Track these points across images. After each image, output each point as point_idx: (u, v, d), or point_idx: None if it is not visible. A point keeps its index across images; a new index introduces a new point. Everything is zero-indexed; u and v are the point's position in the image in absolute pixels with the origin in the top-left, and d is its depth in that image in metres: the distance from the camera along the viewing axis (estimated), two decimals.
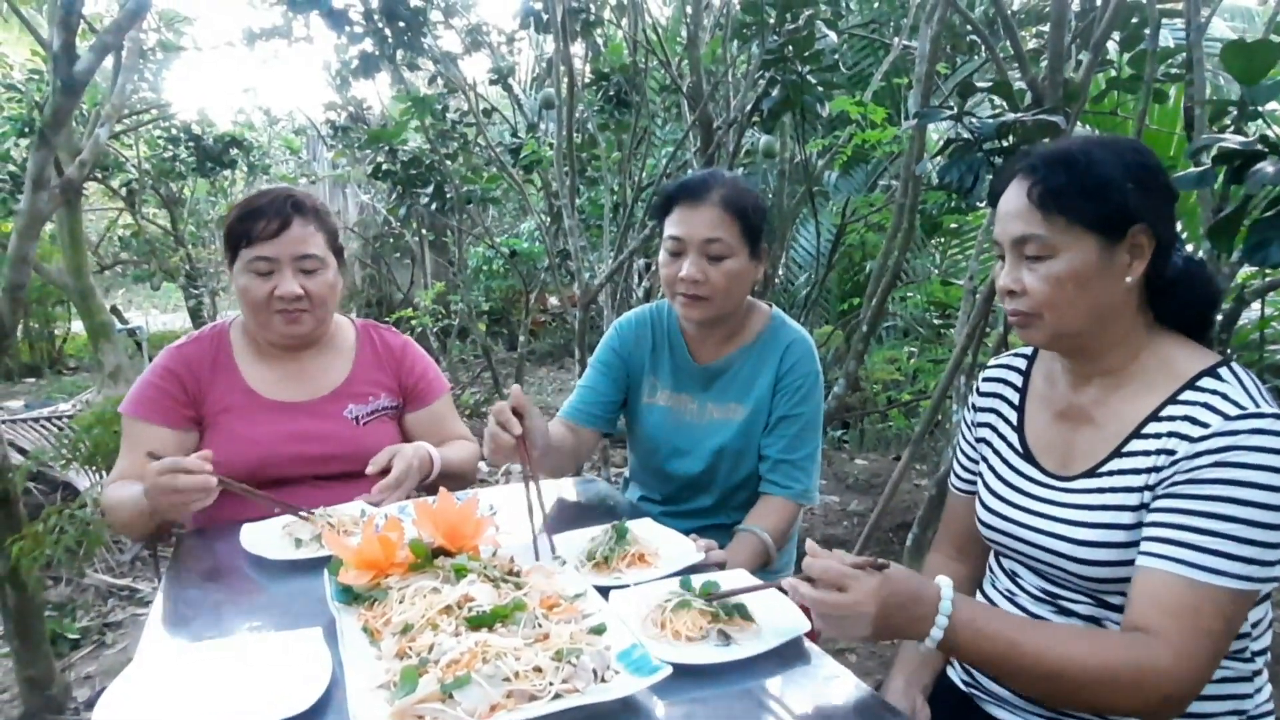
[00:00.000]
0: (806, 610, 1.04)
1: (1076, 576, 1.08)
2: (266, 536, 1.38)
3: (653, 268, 4.68)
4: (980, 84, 2.17)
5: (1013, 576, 1.20)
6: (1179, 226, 1.32)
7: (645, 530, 1.36)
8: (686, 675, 0.95)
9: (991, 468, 1.23)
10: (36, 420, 4.05)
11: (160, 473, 1.33)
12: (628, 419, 1.80)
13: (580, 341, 3.75)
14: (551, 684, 0.87)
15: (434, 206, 4.82)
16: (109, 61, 3.45)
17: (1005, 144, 1.88)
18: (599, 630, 0.99)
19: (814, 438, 1.64)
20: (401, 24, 3.61)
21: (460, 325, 6.44)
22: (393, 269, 8.70)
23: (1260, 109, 1.47)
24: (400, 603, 1.04)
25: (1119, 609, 1.04)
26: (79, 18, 2.17)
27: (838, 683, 0.99)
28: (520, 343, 5.71)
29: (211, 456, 1.37)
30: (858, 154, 4.53)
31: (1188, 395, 1.02)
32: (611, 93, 4.32)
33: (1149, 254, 1.04)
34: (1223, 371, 1.03)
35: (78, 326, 7.30)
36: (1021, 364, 1.26)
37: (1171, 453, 1.00)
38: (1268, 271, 1.93)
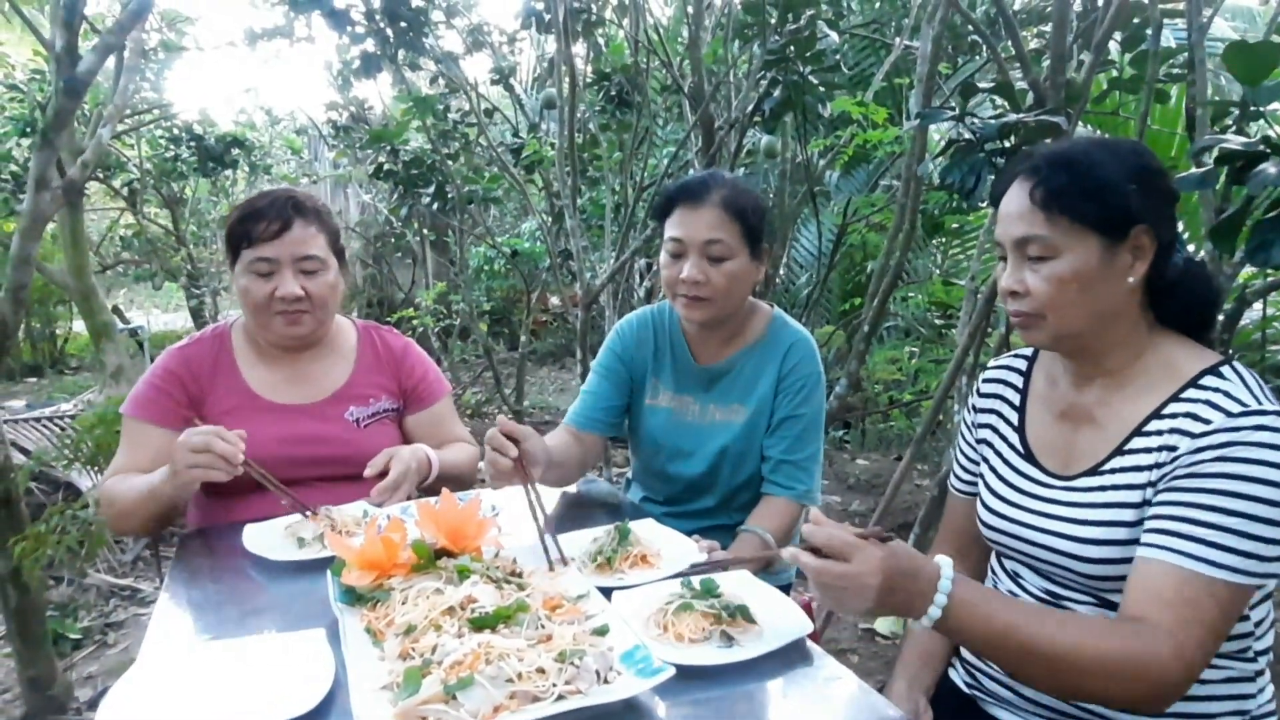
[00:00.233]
0: (809, 611, 1.04)
1: (1079, 575, 1.08)
2: (269, 537, 1.39)
3: (654, 268, 4.68)
4: (982, 84, 2.16)
5: (1015, 577, 1.20)
6: (1180, 227, 1.32)
7: (648, 531, 1.36)
8: (689, 676, 0.95)
9: (993, 468, 1.23)
10: (38, 420, 4.04)
11: (200, 432, 1.36)
12: (630, 421, 1.80)
13: (582, 342, 3.75)
14: (555, 685, 0.87)
15: (435, 206, 4.82)
16: (111, 61, 3.44)
17: (1007, 145, 1.87)
18: (602, 631, 1.00)
19: (816, 438, 1.64)
20: (403, 24, 3.61)
21: (461, 325, 6.44)
22: (394, 269, 8.71)
23: (1262, 110, 1.47)
24: (403, 604, 1.05)
25: None
26: (81, 18, 2.17)
27: (840, 684, 0.99)
28: (522, 343, 5.70)
29: (245, 436, 1.39)
30: (859, 154, 4.53)
31: (1190, 393, 1.03)
32: (613, 93, 4.31)
33: (1150, 255, 1.05)
34: (1225, 370, 1.04)
35: (79, 326, 7.29)
36: (1022, 365, 1.27)
37: (1174, 449, 1.00)
38: (1269, 272, 1.93)
